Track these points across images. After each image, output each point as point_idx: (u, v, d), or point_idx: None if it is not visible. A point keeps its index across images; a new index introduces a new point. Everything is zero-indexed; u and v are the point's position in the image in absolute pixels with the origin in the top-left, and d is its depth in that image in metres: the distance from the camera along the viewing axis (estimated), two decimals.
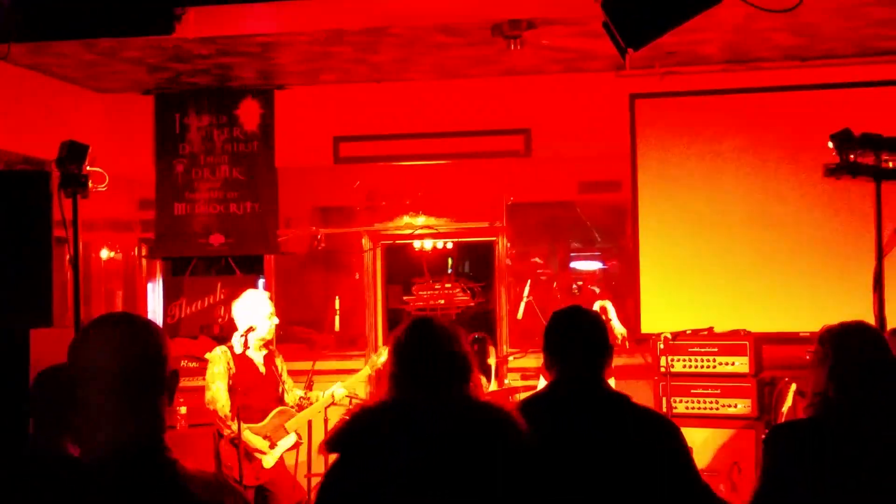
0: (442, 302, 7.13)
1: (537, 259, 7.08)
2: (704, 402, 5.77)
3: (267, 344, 5.21)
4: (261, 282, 7.21)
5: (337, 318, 6.86)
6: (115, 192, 6.94)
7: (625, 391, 2.53)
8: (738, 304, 6.44)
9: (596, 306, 6.08)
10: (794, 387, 5.67)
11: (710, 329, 6.04)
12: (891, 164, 4.41)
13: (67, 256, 3.71)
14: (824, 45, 6.31)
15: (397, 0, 5.17)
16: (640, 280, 6.79)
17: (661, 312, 6.63)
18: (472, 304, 7.30)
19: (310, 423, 5.42)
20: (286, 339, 6.59)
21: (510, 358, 6.63)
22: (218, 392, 4.99)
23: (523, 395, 6.02)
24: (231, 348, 5.09)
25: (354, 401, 5.32)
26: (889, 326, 4.08)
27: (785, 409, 5.51)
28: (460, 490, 2.03)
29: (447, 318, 7.42)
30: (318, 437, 5.26)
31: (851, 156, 4.28)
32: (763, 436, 2.74)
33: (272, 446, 5.03)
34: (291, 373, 5.46)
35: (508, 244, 7.09)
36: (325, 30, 5.63)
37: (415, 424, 2.09)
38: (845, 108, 6.31)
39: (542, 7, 5.23)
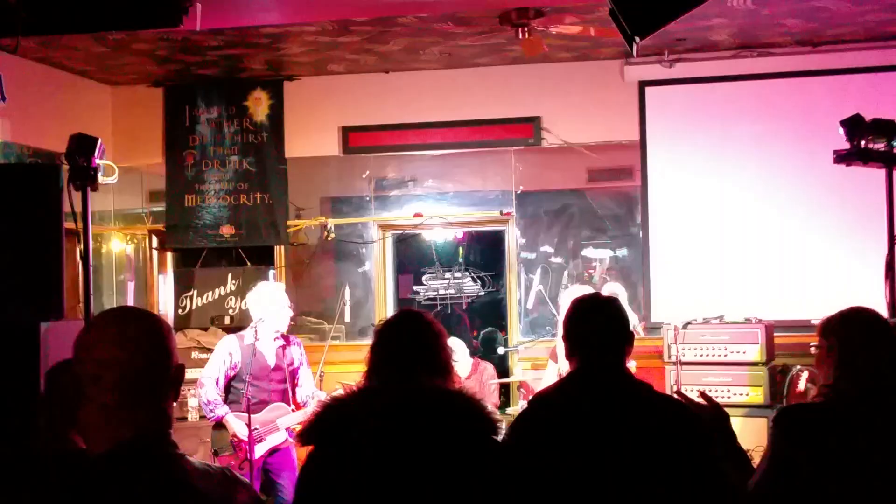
0: (452, 291, 7.13)
1: (548, 247, 7.07)
2: (716, 391, 5.75)
3: (284, 336, 5.21)
4: (271, 272, 7.22)
5: (347, 309, 6.88)
6: (126, 184, 7.03)
7: (639, 376, 2.54)
8: (749, 292, 6.41)
9: (605, 292, 6.06)
10: (806, 374, 5.65)
11: (721, 318, 6.02)
12: None
13: (78, 249, 3.72)
14: (834, 31, 6.26)
15: None
16: (650, 268, 6.78)
17: (671, 300, 6.61)
18: (483, 293, 7.30)
19: None
20: (296, 329, 6.60)
21: (520, 347, 6.63)
22: (207, 377, 5.03)
23: (531, 382, 6.04)
24: (241, 338, 5.11)
25: None
26: None
27: (797, 396, 5.50)
28: (431, 479, 2.03)
29: (457, 307, 7.44)
30: None
31: (862, 142, 4.25)
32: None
33: (260, 440, 5.03)
34: None
35: (518, 233, 7.08)
36: (332, 20, 5.62)
37: (386, 412, 2.09)
38: (856, 93, 6.26)
39: None
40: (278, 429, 5.08)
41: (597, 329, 2.47)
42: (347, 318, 6.91)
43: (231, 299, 7.11)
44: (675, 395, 2.83)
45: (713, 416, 2.66)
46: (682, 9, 3.00)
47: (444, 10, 5.42)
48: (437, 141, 7.11)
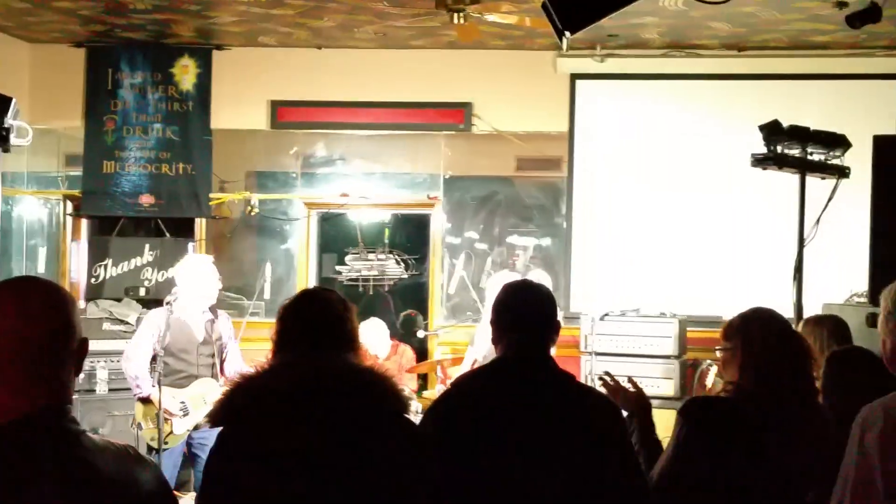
0: (375, 273, 7.11)
1: (473, 233, 7.10)
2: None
3: (212, 309, 5.13)
4: (191, 245, 7.08)
5: (268, 286, 6.79)
6: (41, 146, 6.78)
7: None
8: (665, 287, 6.57)
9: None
10: (714, 369, 5.82)
11: (638, 310, 6.15)
12: (816, 157, 4.54)
13: None
14: (760, 37, 6.43)
15: None
16: (571, 258, 6.88)
17: (591, 291, 6.73)
18: (406, 276, 7.29)
19: None
20: (215, 304, 6.48)
21: (440, 332, 6.66)
22: (134, 351, 4.93)
23: (449, 366, 6.08)
24: (169, 311, 5.00)
25: None
26: (805, 314, 4.21)
27: (706, 390, 5.67)
28: (342, 455, 2.02)
29: (381, 289, 7.42)
30: None
31: (779, 147, 4.39)
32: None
33: (186, 414, 4.96)
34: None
35: (444, 217, 7.09)
36: None
37: (294, 389, 2.07)
38: (778, 99, 6.45)
39: None
40: (205, 404, 5.02)
41: (526, 314, 2.48)
42: (267, 295, 6.82)
43: (147, 270, 6.93)
44: (605, 377, 2.87)
45: (638, 403, 2.72)
46: (611, 7, 3.04)
47: None
48: (368, 121, 7.06)
